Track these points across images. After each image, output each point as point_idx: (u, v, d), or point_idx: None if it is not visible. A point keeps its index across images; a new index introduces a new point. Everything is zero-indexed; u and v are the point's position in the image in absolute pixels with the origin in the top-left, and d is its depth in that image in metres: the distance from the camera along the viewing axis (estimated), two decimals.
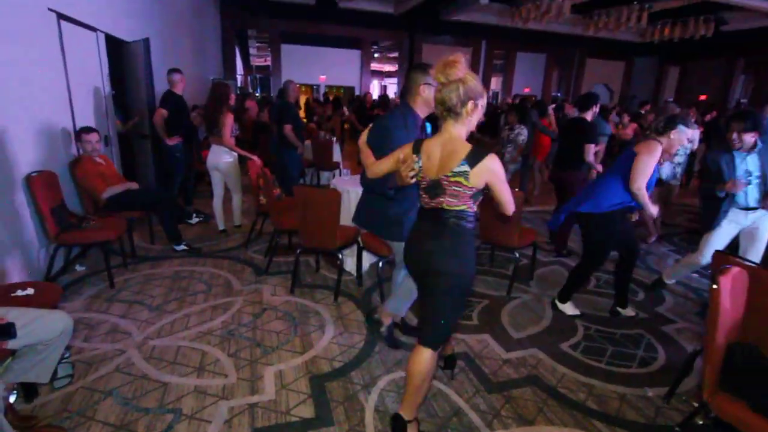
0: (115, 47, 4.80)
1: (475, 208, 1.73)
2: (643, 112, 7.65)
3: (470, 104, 1.63)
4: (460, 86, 1.61)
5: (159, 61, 5.30)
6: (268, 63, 14.08)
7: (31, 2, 3.15)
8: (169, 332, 2.70)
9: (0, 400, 1.57)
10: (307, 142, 6.37)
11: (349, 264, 3.61)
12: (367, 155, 2.07)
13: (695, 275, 3.93)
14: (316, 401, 2.15)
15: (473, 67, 15.16)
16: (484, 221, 3.29)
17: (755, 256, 2.97)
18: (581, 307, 3.19)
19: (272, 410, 2.08)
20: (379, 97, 11.07)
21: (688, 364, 2.28)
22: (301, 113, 10.68)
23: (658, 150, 2.56)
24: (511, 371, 2.46)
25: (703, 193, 3.11)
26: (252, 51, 16.63)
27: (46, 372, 1.94)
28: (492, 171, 1.63)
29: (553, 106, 8.40)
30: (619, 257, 2.98)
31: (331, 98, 11.99)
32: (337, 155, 6.52)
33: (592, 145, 3.82)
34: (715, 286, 1.59)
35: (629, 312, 3.08)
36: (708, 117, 8.29)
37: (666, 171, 4.37)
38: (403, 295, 2.47)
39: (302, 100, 12.44)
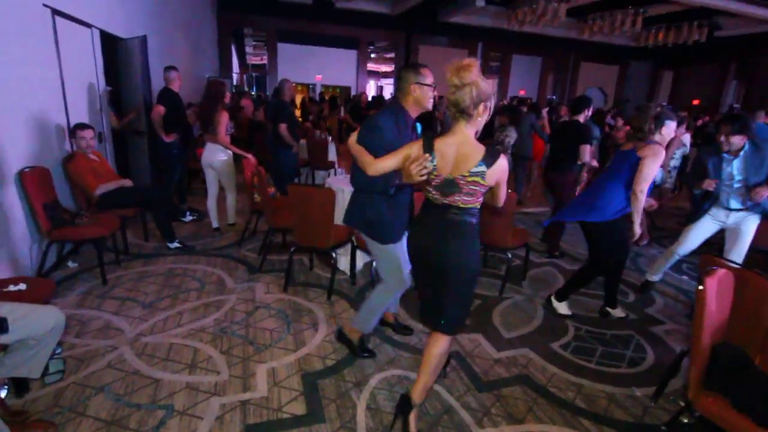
0: (111, 44, 4.78)
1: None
2: None
3: (481, 106, 1.70)
4: (473, 89, 1.66)
5: (155, 59, 5.28)
6: (265, 61, 14.03)
7: None
8: (162, 329, 2.70)
9: None
10: (303, 142, 6.37)
11: (343, 263, 3.62)
12: (362, 153, 2.00)
13: (685, 277, 3.98)
14: (308, 398, 2.16)
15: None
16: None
17: (737, 256, 3.05)
18: (572, 307, 3.22)
19: (264, 407, 2.09)
20: (373, 97, 11.07)
21: (675, 365, 2.30)
22: (297, 112, 10.69)
23: (662, 152, 2.60)
24: (501, 370, 2.48)
25: (689, 186, 3.28)
26: (248, 49, 16.57)
27: (37, 367, 1.93)
28: (504, 170, 1.74)
29: (547, 109, 8.47)
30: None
31: (327, 98, 11.98)
32: (332, 155, 6.53)
33: (588, 146, 3.86)
34: (701, 288, 1.62)
35: (619, 313, 3.12)
36: (700, 121, 8.40)
37: (659, 175, 4.43)
38: (375, 309, 2.40)
39: (298, 99, 12.42)
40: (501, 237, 3.29)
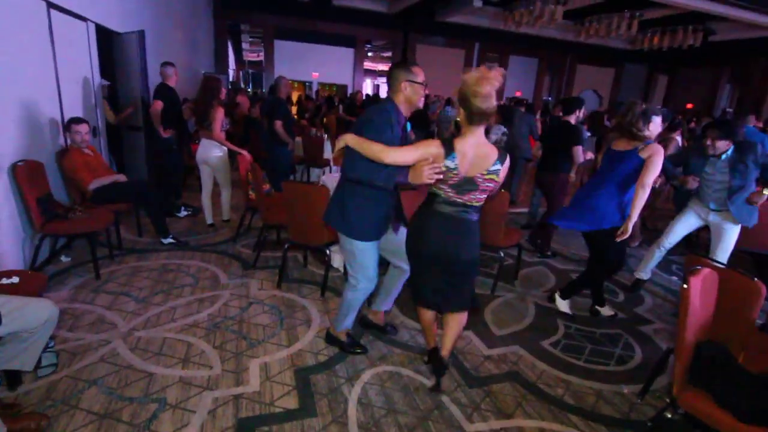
0: (106, 38, 4.76)
1: None
2: None
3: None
4: (494, 98, 1.85)
5: (151, 54, 5.25)
6: (261, 58, 14.01)
7: None
8: (155, 324, 2.71)
9: None
10: (298, 139, 6.37)
11: (337, 260, 3.64)
12: (368, 142, 1.97)
13: (674, 278, 4.04)
14: (301, 393, 2.18)
15: (466, 69, 15.30)
16: None
17: (722, 255, 3.14)
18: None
19: (256, 401, 2.11)
20: (367, 95, 11.06)
21: (662, 362, 2.35)
22: (294, 109, 10.67)
23: (662, 149, 2.62)
24: (492, 367, 2.52)
25: (668, 179, 3.45)
26: (245, 46, 16.52)
27: (30, 360, 1.95)
28: (507, 168, 1.97)
29: (540, 111, 8.52)
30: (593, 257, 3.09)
31: (324, 96, 11.98)
32: (327, 152, 6.54)
33: (580, 147, 3.90)
34: (685, 286, 1.66)
35: (608, 311, 3.16)
36: (693, 125, 8.50)
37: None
38: (347, 309, 2.44)
39: (294, 96, 12.40)
40: (493, 236, 3.32)
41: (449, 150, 1.89)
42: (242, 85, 14.53)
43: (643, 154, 2.60)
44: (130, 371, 2.26)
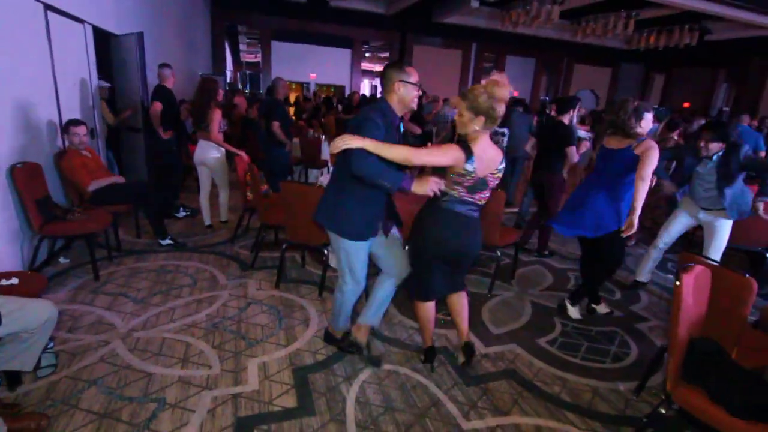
0: (103, 40, 4.77)
1: None
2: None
3: None
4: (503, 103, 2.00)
5: (148, 55, 5.24)
6: (259, 59, 14.02)
7: None
8: (154, 324, 2.72)
9: None
10: (296, 140, 6.39)
11: (335, 260, 3.64)
12: (391, 145, 1.96)
13: (670, 276, 4.07)
14: (299, 392, 2.20)
15: (463, 69, 15.36)
16: None
17: (715, 253, 3.17)
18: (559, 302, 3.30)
19: (255, 400, 2.12)
20: (363, 96, 11.06)
21: (657, 359, 2.38)
22: (291, 110, 10.67)
23: (657, 148, 2.62)
24: (489, 365, 2.54)
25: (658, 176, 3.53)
26: (242, 47, 16.53)
27: (30, 360, 1.96)
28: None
29: (537, 111, 8.54)
30: (587, 257, 3.10)
31: (322, 96, 11.99)
32: (325, 153, 6.55)
33: (573, 147, 3.92)
34: (678, 283, 1.68)
35: (603, 309, 3.18)
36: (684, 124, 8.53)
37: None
38: (339, 310, 2.44)
39: (292, 97, 12.41)
40: (490, 235, 3.34)
41: (469, 154, 1.99)
42: (240, 87, 14.54)
43: (638, 151, 2.61)
44: (129, 371, 2.28)
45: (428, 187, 1.97)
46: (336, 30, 13.25)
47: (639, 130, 2.65)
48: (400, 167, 2.04)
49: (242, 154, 4.17)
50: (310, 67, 14.01)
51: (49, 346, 2.21)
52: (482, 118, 1.99)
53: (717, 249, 3.18)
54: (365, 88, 16.20)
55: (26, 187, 3.03)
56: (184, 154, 5.63)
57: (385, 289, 2.39)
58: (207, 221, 4.55)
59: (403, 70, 2.06)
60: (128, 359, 2.37)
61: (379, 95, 2.21)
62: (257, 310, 2.99)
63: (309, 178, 6.79)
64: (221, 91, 4.30)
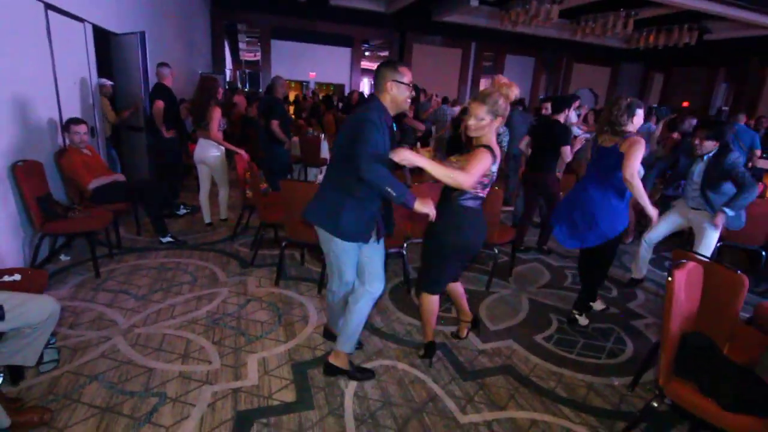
0: (103, 39, 4.79)
1: None
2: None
3: None
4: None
5: (148, 54, 5.29)
6: (258, 58, 14.03)
7: None
8: (155, 321, 2.75)
9: None
10: (295, 139, 6.41)
11: None
12: (444, 167, 1.99)
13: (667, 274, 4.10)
14: (298, 387, 2.23)
15: (462, 68, 15.37)
16: None
17: (705, 249, 3.20)
18: (558, 302, 3.33)
19: (255, 395, 2.16)
20: (361, 95, 11.08)
21: (651, 355, 2.41)
22: (291, 109, 10.69)
23: (642, 142, 2.60)
24: (486, 361, 2.57)
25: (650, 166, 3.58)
26: (242, 46, 16.55)
27: (32, 355, 1.98)
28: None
29: (536, 110, 8.54)
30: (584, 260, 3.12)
31: (321, 96, 12.02)
32: (324, 152, 6.58)
33: (568, 147, 3.94)
34: (669, 279, 1.71)
35: (599, 305, 3.21)
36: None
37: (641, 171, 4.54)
38: (356, 328, 2.27)
39: (292, 96, 12.44)
40: (488, 233, 3.36)
41: (494, 156, 2.09)
42: (239, 85, 14.55)
43: (623, 148, 2.59)
44: (130, 366, 2.31)
45: (430, 209, 1.99)
46: (336, 29, 13.27)
47: (630, 127, 2.64)
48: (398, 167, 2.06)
49: (242, 152, 4.19)
50: (310, 65, 14.02)
51: (51, 342, 2.24)
52: (500, 119, 2.10)
53: (706, 247, 3.21)
54: (365, 86, 16.19)
55: (27, 185, 3.06)
56: (183, 153, 5.66)
57: (360, 310, 2.22)
58: (207, 219, 4.58)
59: (397, 70, 2.02)
60: (129, 355, 2.40)
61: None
62: (257, 306, 3.02)
63: (308, 177, 6.81)
64: (221, 90, 4.32)
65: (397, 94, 2.04)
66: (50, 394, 2.07)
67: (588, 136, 5.58)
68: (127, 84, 5.03)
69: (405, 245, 3.32)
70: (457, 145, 4.24)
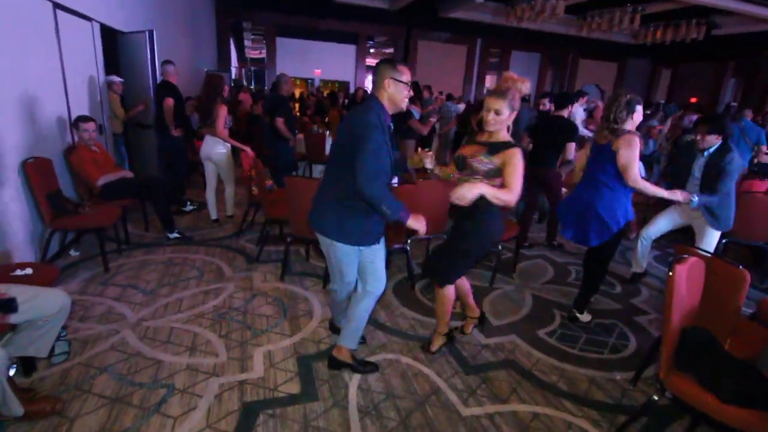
0: (110, 37, 4.85)
1: None
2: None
3: None
4: None
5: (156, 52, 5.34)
6: (263, 55, 14.06)
7: None
8: (163, 314, 2.80)
9: (3, 367, 1.66)
10: (300, 136, 6.44)
11: None
12: (499, 190, 2.10)
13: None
14: (303, 379, 2.27)
15: (468, 64, 15.32)
16: None
17: (707, 247, 3.17)
18: (561, 298, 3.34)
19: (261, 386, 2.20)
20: (365, 92, 11.10)
21: (653, 350, 2.42)
22: (296, 106, 10.72)
23: (636, 140, 2.58)
24: (489, 355, 2.59)
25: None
26: (247, 43, 16.56)
27: (44, 347, 2.04)
28: None
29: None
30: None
31: (326, 93, 12.03)
32: (329, 149, 6.61)
33: (574, 144, 3.93)
34: (670, 274, 1.72)
35: (586, 317, 3.08)
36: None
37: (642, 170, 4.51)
38: (358, 325, 2.31)
39: (297, 93, 12.48)
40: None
41: (523, 150, 2.20)
42: (245, 83, 14.61)
43: (615, 146, 2.56)
44: (139, 359, 2.36)
45: (421, 225, 2.03)
46: (340, 26, 13.27)
47: (629, 124, 2.61)
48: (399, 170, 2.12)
49: (247, 149, 4.24)
50: (315, 63, 14.05)
51: (62, 334, 2.29)
52: (515, 114, 2.19)
53: (708, 246, 3.18)
54: (370, 84, 16.19)
55: (38, 182, 3.12)
56: (190, 150, 5.71)
57: (363, 309, 2.25)
58: (213, 216, 4.63)
59: (396, 68, 1.98)
60: (138, 347, 2.45)
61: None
62: (262, 301, 3.06)
63: (313, 174, 6.85)
64: (226, 88, 4.36)
65: (395, 93, 1.99)
66: (62, 384, 2.13)
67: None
68: (135, 82, 5.08)
69: (409, 242, 3.34)
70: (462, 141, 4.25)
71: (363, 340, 2.61)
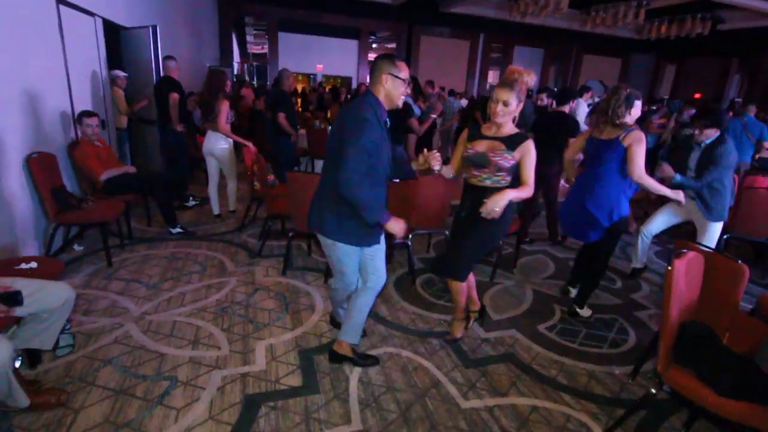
0: (113, 32, 4.86)
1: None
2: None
3: None
4: None
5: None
6: (266, 51, 14.05)
7: None
8: (166, 308, 2.83)
9: (8, 359, 1.69)
10: (302, 131, 6.45)
11: None
12: (521, 189, 2.27)
13: None
14: (304, 372, 2.29)
15: (471, 59, 15.26)
16: None
17: (708, 242, 3.18)
18: (560, 293, 3.35)
19: (263, 379, 2.22)
20: (366, 88, 11.14)
21: (652, 344, 2.43)
22: (299, 101, 10.71)
23: (644, 138, 2.59)
24: (488, 349, 2.61)
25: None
26: (249, 38, 16.56)
27: (49, 339, 2.06)
28: None
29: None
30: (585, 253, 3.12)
31: (328, 88, 12.04)
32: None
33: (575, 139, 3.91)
34: (669, 268, 1.73)
35: (586, 312, 3.09)
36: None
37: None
38: (358, 321, 2.32)
39: (299, 88, 12.47)
40: None
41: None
42: (247, 78, 14.60)
43: (625, 143, 2.56)
44: (142, 351, 2.38)
45: (400, 230, 2.04)
46: (343, 21, 13.24)
47: (627, 119, 2.59)
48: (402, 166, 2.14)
49: (249, 145, 4.25)
50: (317, 58, 14.04)
51: (66, 328, 2.32)
52: (522, 105, 2.25)
53: (709, 240, 3.19)
54: None
55: (41, 177, 3.14)
56: (192, 146, 5.73)
57: (363, 305, 2.26)
58: (216, 211, 4.65)
59: (394, 64, 1.96)
60: (141, 340, 2.48)
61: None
62: (264, 295, 3.09)
63: (315, 168, 6.86)
64: (229, 83, 4.37)
65: (392, 89, 1.97)
66: (66, 377, 2.15)
67: None
68: (138, 77, 5.10)
69: (410, 236, 3.36)
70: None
71: (364, 334, 2.62)
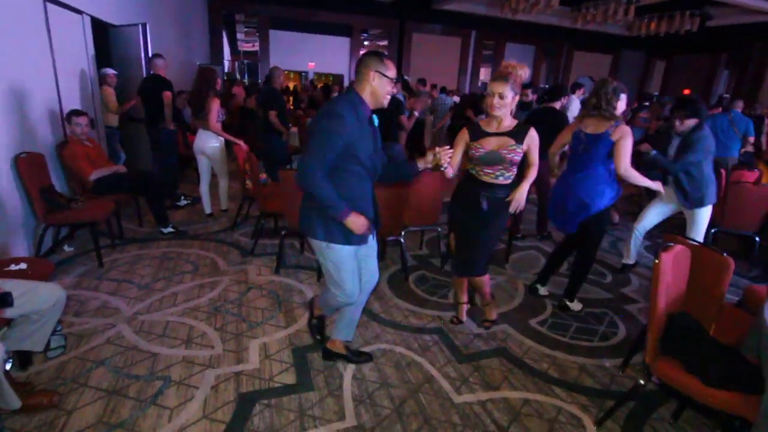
0: (101, 30, 4.81)
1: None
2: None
3: None
4: None
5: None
6: (256, 48, 13.95)
7: None
8: (158, 308, 2.82)
9: (0, 361, 1.68)
10: (294, 129, 6.44)
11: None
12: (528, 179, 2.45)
13: None
14: (298, 370, 2.30)
15: (462, 56, 15.28)
16: None
17: (697, 234, 3.25)
18: (552, 288, 3.38)
19: (256, 377, 2.23)
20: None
21: (641, 336, 2.47)
22: (290, 99, 10.67)
23: (630, 134, 2.61)
24: (481, 344, 2.63)
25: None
26: (240, 36, 16.43)
27: (40, 341, 2.05)
28: None
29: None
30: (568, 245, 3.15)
31: (320, 86, 11.99)
32: None
33: None
34: (656, 261, 1.76)
35: (576, 306, 3.13)
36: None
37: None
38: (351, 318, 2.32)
39: (290, 86, 12.41)
40: None
41: None
42: (238, 76, 14.50)
43: (614, 137, 2.59)
44: (135, 352, 2.38)
45: (360, 227, 1.91)
46: (334, 18, 13.19)
47: (616, 111, 2.64)
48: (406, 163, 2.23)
49: (241, 143, 4.23)
50: (309, 55, 13.96)
51: (57, 329, 2.31)
52: (518, 97, 2.34)
53: (698, 233, 3.25)
54: None
55: (30, 177, 3.11)
56: (183, 144, 5.69)
57: (355, 304, 2.22)
58: (207, 210, 4.63)
59: (382, 62, 1.92)
60: (134, 341, 2.47)
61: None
62: (257, 294, 3.08)
63: None
64: (219, 81, 4.34)
65: (378, 87, 1.92)
66: (58, 378, 2.14)
67: None
68: (127, 75, 5.05)
69: (402, 233, 3.37)
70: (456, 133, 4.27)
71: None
